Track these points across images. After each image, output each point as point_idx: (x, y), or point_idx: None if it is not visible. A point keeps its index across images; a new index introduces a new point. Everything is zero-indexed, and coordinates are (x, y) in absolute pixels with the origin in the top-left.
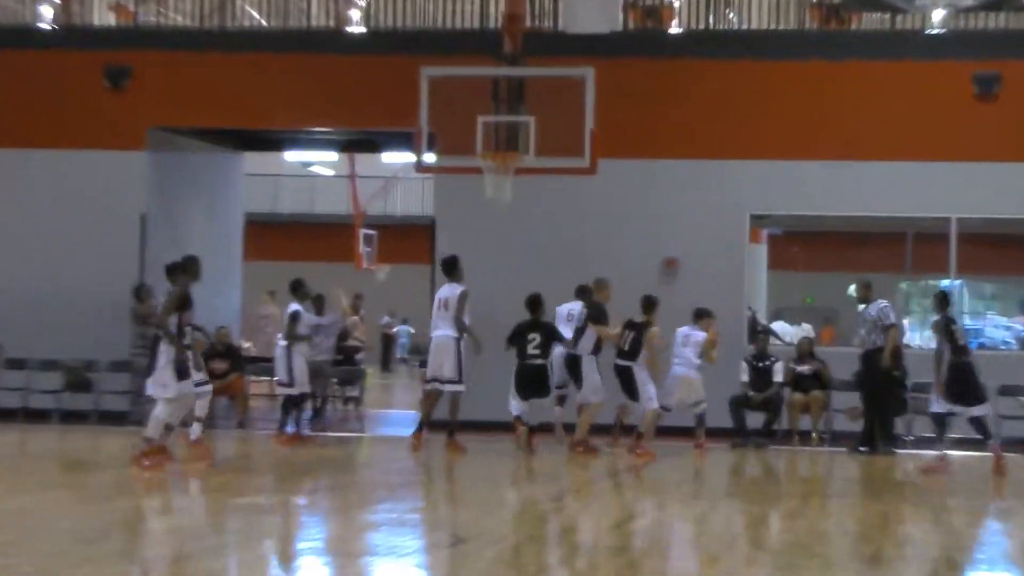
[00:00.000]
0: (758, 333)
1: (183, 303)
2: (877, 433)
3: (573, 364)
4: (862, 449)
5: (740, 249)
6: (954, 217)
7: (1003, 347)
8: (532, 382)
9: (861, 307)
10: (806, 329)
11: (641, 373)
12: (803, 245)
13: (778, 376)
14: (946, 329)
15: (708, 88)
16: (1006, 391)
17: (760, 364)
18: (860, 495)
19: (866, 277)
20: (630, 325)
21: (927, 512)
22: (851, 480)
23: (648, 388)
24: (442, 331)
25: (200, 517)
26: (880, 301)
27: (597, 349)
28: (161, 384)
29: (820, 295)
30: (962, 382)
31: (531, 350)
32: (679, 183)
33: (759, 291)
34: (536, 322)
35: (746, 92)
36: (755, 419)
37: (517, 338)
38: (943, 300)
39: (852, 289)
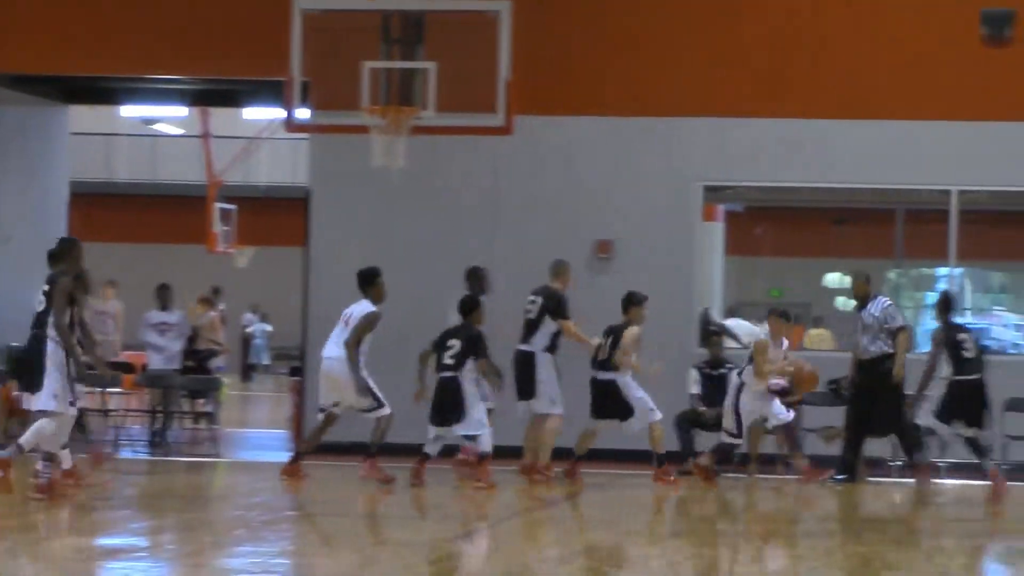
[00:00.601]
0: (711, 335)
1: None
2: (907, 454)
3: (525, 364)
4: (838, 478)
5: (691, 229)
6: (955, 190)
7: (1013, 351)
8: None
9: (853, 305)
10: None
11: (629, 384)
12: (768, 225)
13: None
14: (948, 340)
15: (652, 29)
16: (1016, 405)
17: (714, 373)
18: (837, 534)
19: (861, 268)
20: (609, 331)
21: (916, 554)
22: (827, 516)
23: (644, 398)
24: (333, 353)
25: (13, 564)
26: (882, 298)
27: (553, 347)
28: (52, 395)
29: (789, 286)
30: (968, 399)
31: (446, 359)
32: (615, 147)
33: (714, 281)
34: (460, 327)
35: (699, 34)
36: (708, 440)
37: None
38: (946, 304)
39: (831, 279)
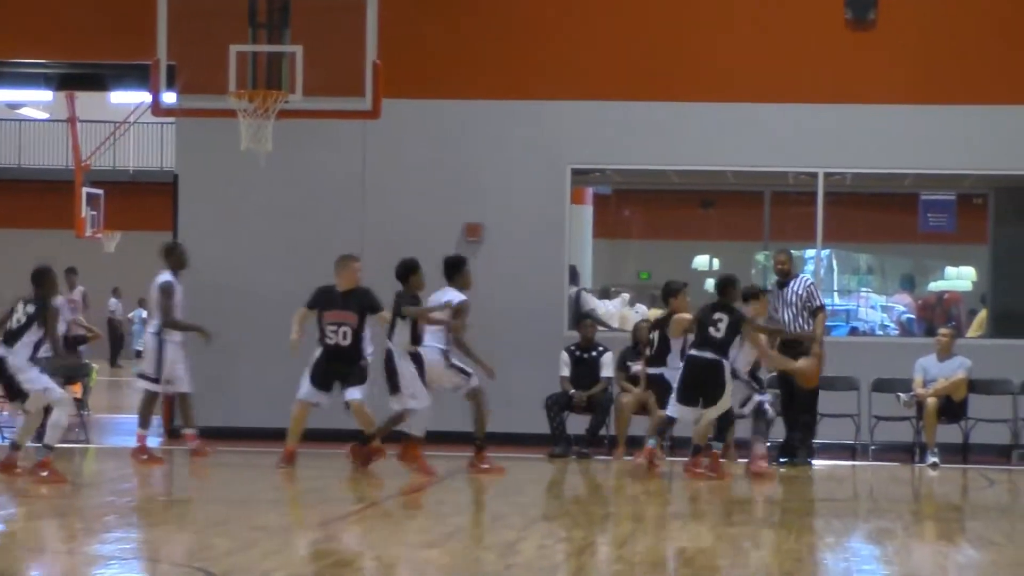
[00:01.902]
0: (582, 317)
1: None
2: (800, 441)
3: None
4: (783, 460)
5: (560, 212)
6: (821, 172)
7: (880, 332)
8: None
9: (774, 282)
10: (642, 312)
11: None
12: (637, 207)
13: (607, 370)
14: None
15: (521, 12)
16: (881, 386)
17: (584, 356)
18: (708, 516)
19: (785, 247)
20: (656, 324)
21: (785, 534)
22: (696, 499)
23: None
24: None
25: None
26: (804, 276)
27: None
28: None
29: (658, 269)
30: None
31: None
32: (484, 130)
33: (583, 264)
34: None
35: (567, 17)
36: (578, 423)
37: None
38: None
39: (700, 261)
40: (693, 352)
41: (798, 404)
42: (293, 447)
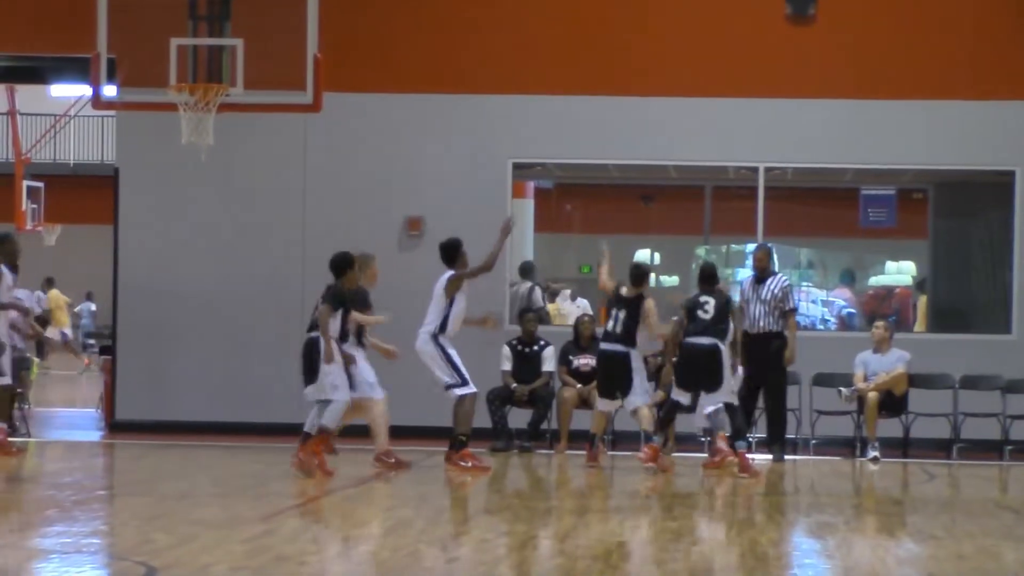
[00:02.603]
0: (525, 312)
1: None
2: (772, 436)
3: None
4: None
5: (501, 206)
6: (762, 167)
7: (820, 327)
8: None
9: (751, 277)
10: (583, 305)
11: (637, 361)
12: (578, 202)
13: (548, 364)
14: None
15: (460, 6)
16: (822, 380)
17: (526, 350)
18: (648, 510)
19: (765, 243)
20: (621, 301)
21: (726, 527)
22: (637, 492)
23: (644, 381)
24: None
25: None
26: (781, 276)
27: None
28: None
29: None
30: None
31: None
32: (425, 124)
33: (525, 257)
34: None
35: (506, 11)
36: (519, 417)
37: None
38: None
39: (641, 255)
40: (689, 340)
41: (768, 398)
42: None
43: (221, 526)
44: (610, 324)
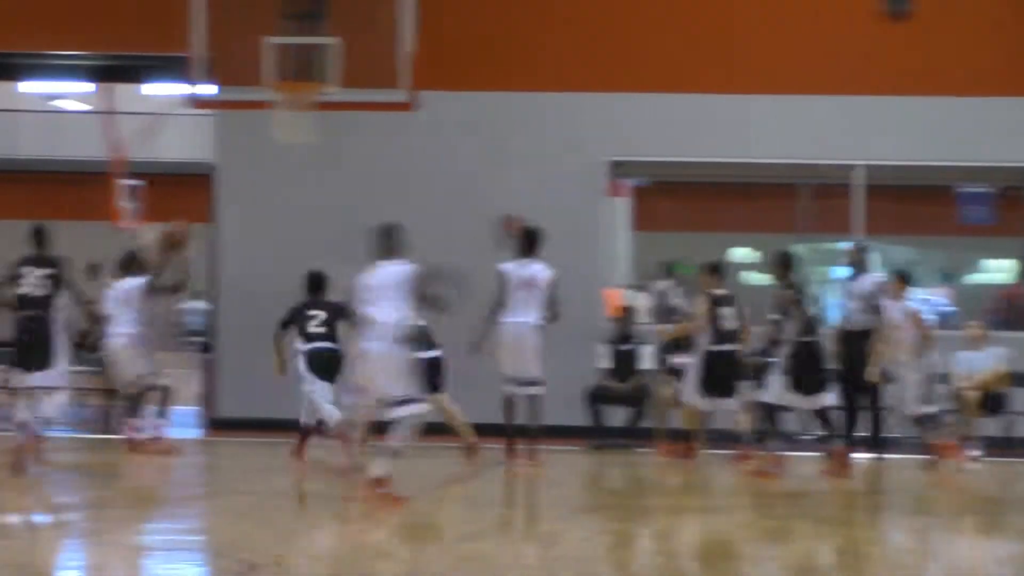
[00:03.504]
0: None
1: None
2: (871, 434)
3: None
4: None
5: (596, 205)
6: (858, 164)
7: None
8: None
9: (849, 274)
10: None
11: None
12: (675, 200)
13: (646, 362)
14: (795, 299)
15: (558, 4)
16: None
17: (623, 348)
18: (748, 509)
19: (861, 240)
20: (724, 299)
21: (826, 527)
22: (736, 492)
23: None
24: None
25: None
26: (875, 274)
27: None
28: (61, 373)
29: (695, 261)
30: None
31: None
32: (520, 122)
33: (622, 256)
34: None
35: (605, 9)
36: (616, 415)
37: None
38: (787, 263)
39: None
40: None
41: (864, 396)
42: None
43: (323, 523)
44: (725, 323)
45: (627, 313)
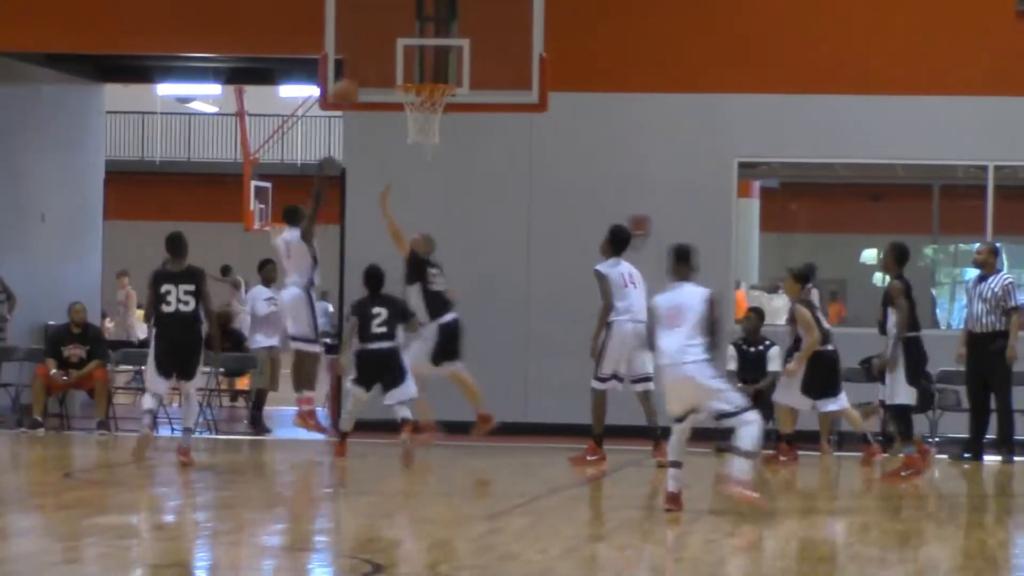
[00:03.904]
0: (750, 311)
1: None
2: (1000, 436)
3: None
4: (967, 456)
5: (727, 206)
6: (991, 165)
7: None
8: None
9: (976, 275)
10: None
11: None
12: (804, 201)
13: (774, 364)
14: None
15: (688, 5)
16: None
17: (751, 349)
18: (875, 511)
19: (991, 241)
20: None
21: (953, 530)
22: (866, 492)
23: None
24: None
25: (51, 541)
26: (1005, 274)
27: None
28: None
29: (825, 263)
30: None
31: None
32: (650, 123)
33: (750, 258)
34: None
35: (736, 9)
36: None
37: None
38: (904, 255)
39: (867, 255)
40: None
41: (995, 398)
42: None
43: (446, 524)
44: (824, 325)
45: (755, 315)
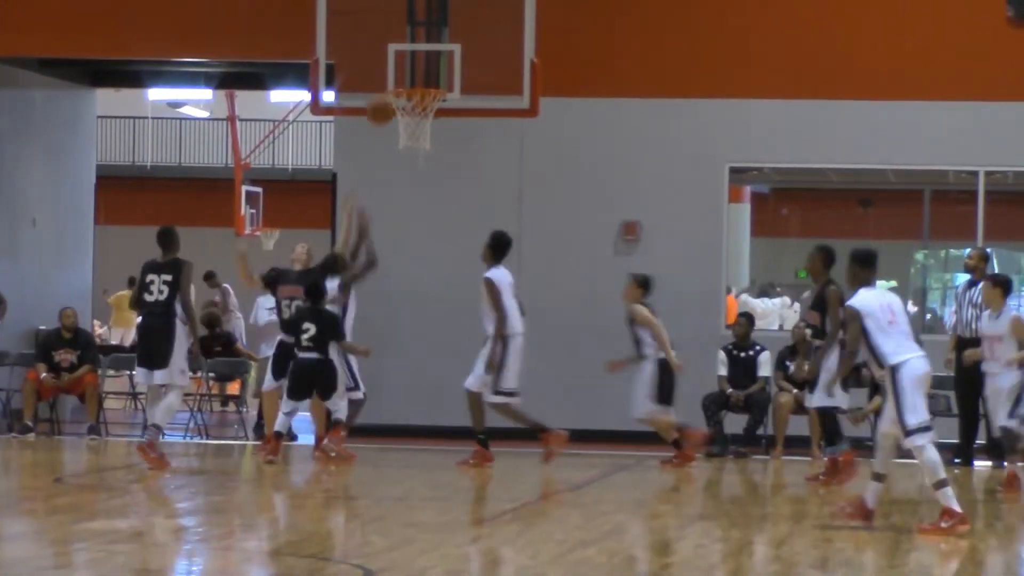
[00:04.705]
0: (740, 316)
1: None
2: (992, 441)
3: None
4: (956, 461)
5: (717, 211)
6: (982, 171)
7: None
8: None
9: (961, 282)
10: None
11: None
12: (795, 206)
13: (764, 369)
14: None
15: (678, 10)
16: None
17: (741, 354)
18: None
19: (981, 247)
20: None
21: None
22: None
23: None
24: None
25: (41, 546)
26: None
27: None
28: (180, 370)
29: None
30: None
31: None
32: (641, 128)
33: (741, 263)
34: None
35: (726, 15)
36: (735, 422)
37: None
38: (831, 258)
39: None
40: None
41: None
42: None
43: (438, 530)
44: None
45: (745, 319)
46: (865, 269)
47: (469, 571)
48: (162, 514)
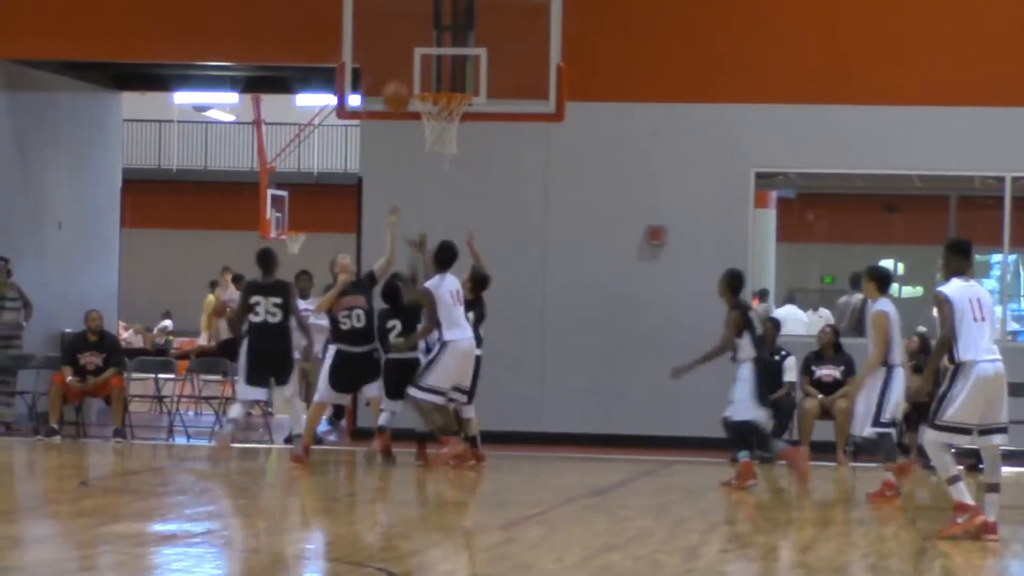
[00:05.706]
0: (765, 321)
1: None
2: None
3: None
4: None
5: (743, 216)
6: (1008, 176)
7: None
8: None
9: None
10: (825, 316)
11: None
12: (821, 211)
13: (790, 374)
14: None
15: (705, 14)
16: None
17: (767, 360)
18: (892, 521)
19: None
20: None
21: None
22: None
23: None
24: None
25: (67, 548)
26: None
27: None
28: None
29: (842, 273)
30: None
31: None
32: (667, 133)
33: (767, 268)
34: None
35: (751, 19)
36: None
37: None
38: (738, 281)
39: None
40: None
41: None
42: None
43: (462, 534)
44: None
45: (771, 324)
46: (958, 258)
47: (493, 575)
48: (187, 517)
